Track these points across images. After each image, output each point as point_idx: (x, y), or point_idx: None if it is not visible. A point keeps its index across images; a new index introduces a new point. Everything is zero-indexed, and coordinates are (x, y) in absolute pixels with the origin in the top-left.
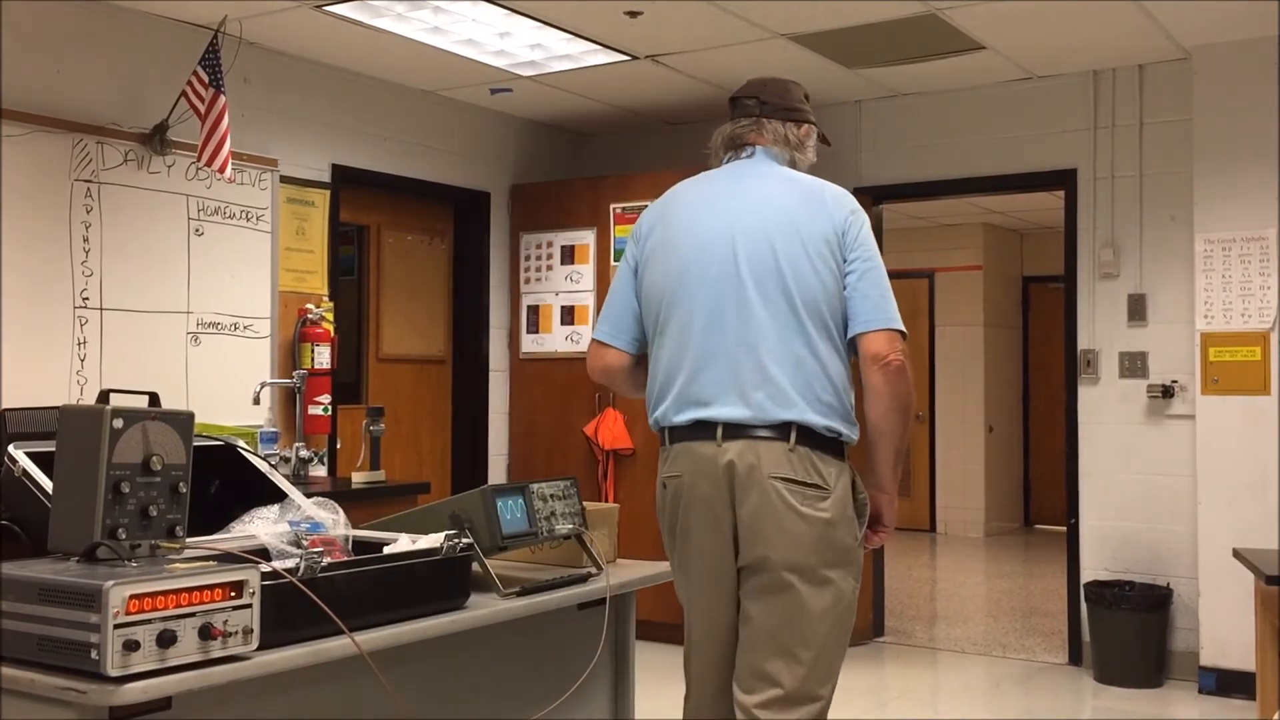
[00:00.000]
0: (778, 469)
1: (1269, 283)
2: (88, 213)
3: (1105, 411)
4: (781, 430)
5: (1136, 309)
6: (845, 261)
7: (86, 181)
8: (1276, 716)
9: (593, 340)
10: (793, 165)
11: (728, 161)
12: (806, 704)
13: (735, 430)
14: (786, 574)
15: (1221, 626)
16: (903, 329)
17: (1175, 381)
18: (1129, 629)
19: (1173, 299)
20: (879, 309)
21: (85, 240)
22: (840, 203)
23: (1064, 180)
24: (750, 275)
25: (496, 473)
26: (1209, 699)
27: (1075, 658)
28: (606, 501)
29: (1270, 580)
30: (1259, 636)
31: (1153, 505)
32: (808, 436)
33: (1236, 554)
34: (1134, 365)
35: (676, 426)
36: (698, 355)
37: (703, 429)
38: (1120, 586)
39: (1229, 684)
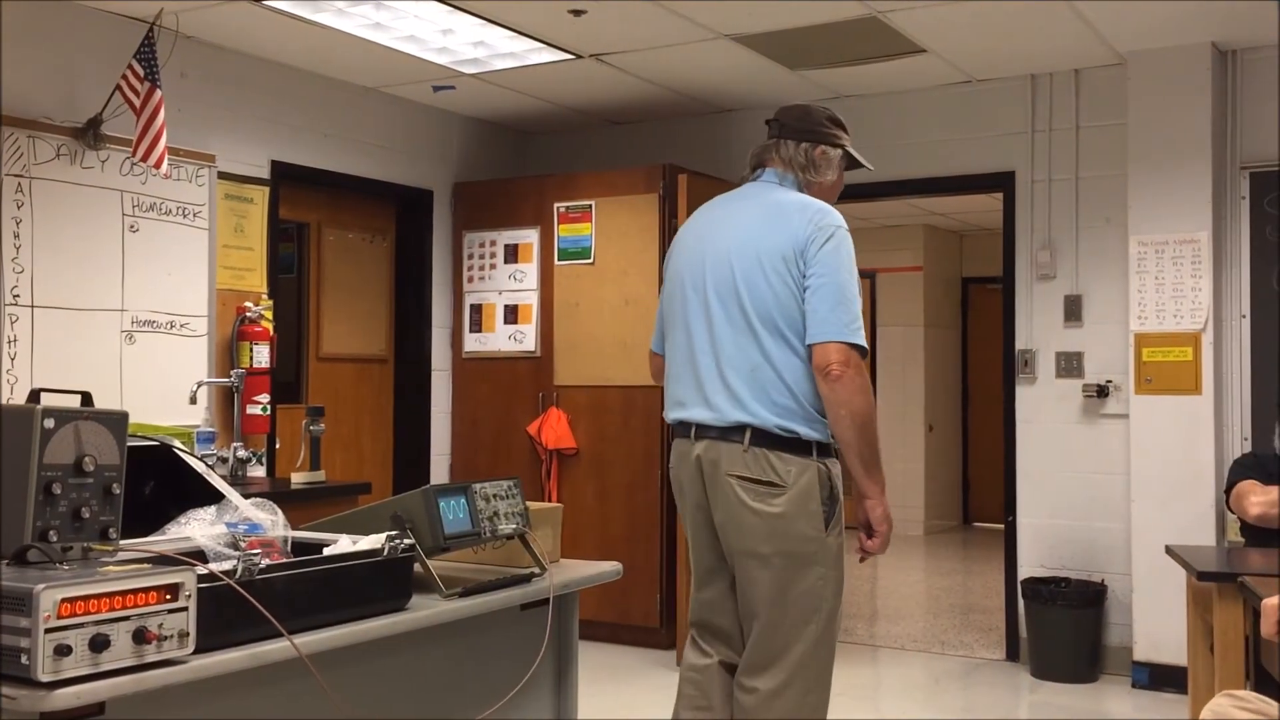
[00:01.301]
0: (734, 467)
1: (1200, 284)
2: (19, 208)
3: (1042, 411)
4: (738, 431)
5: (1072, 310)
6: (805, 276)
7: (17, 176)
8: (1206, 711)
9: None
10: (802, 184)
11: (743, 182)
12: (758, 674)
13: (703, 430)
14: (744, 559)
15: (1154, 622)
16: (853, 340)
17: (1110, 381)
18: (1064, 625)
19: (1108, 300)
20: (826, 322)
21: (16, 236)
22: (810, 221)
23: (1002, 183)
24: (714, 292)
25: (439, 473)
26: (1142, 693)
27: (1013, 653)
28: (550, 501)
29: (1202, 577)
30: (1190, 632)
31: (1088, 503)
32: (764, 436)
33: (1169, 551)
34: (1070, 365)
35: (670, 423)
36: (679, 364)
37: (683, 427)
38: (1056, 583)
39: (1162, 678)
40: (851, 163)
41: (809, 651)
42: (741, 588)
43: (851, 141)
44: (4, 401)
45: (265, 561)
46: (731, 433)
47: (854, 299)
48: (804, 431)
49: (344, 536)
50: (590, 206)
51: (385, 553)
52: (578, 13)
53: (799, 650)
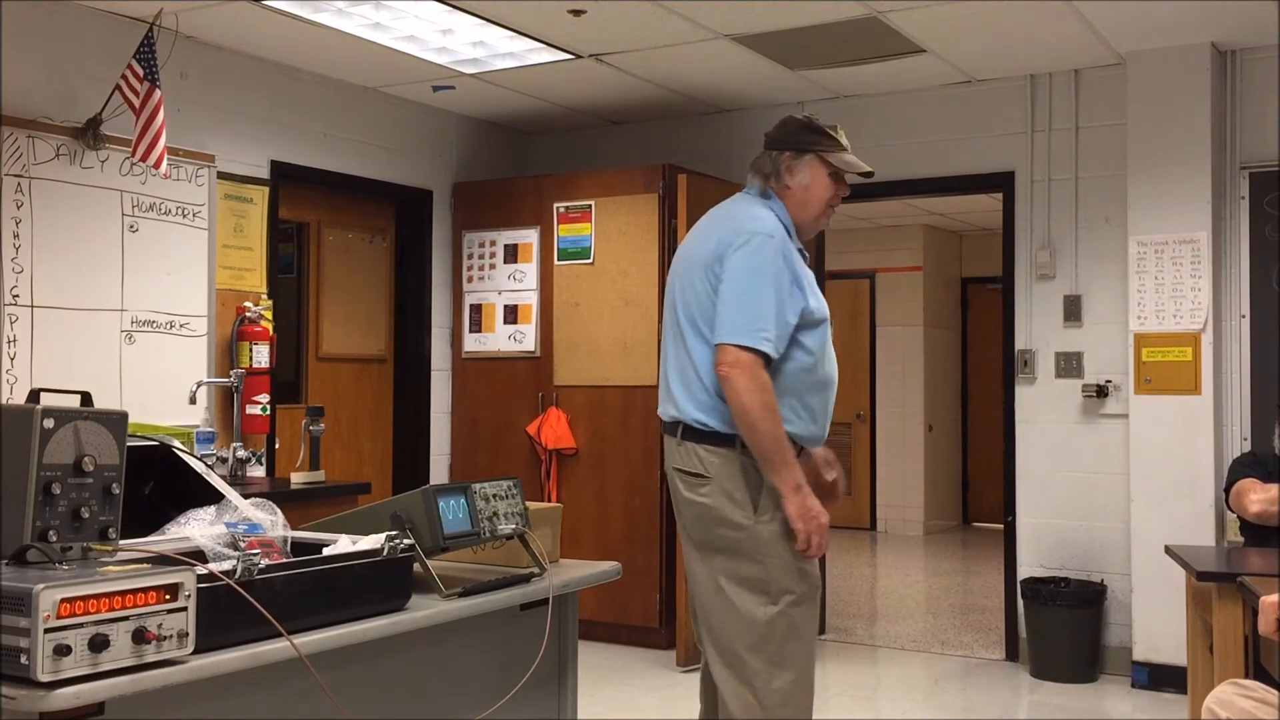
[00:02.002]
0: (673, 460)
1: (1200, 284)
2: (18, 208)
3: (1042, 411)
4: (674, 426)
5: (1072, 310)
6: (719, 279)
7: (17, 176)
8: (1211, 699)
9: None
10: (775, 191)
11: None
12: (721, 667)
13: (663, 427)
14: (685, 547)
15: (1154, 622)
16: (742, 342)
17: (1109, 381)
18: (1064, 625)
19: (1107, 300)
20: (723, 324)
21: (16, 236)
22: (735, 228)
23: (1002, 183)
24: (668, 299)
25: (438, 473)
26: (1142, 693)
27: (1012, 653)
28: (549, 501)
29: (1201, 577)
30: (1190, 632)
31: (1087, 503)
32: (691, 430)
33: (1168, 551)
34: (1069, 365)
35: None
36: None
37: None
38: (1055, 583)
39: (1161, 678)
40: (840, 166)
41: (759, 641)
42: (688, 580)
43: (837, 147)
44: (4, 401)
45: (265, 561)
46: (670, 428)
47: (757, 301)
48: (718, 425)
49: (343, 536)
50: (590, 206)
51: (385, 553)
52: (578, 13)
53: (747, 641)
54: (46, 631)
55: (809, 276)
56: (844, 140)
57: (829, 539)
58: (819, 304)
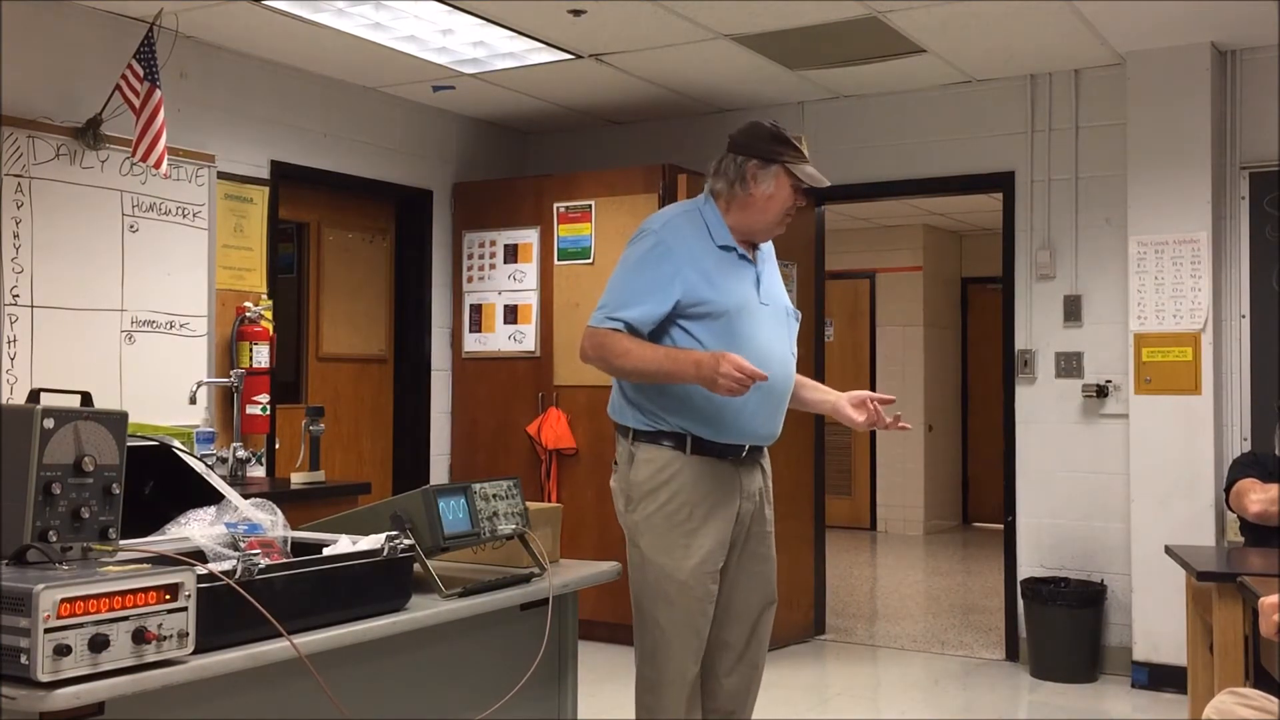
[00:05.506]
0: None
1: (1200, 284)
2: (18, 208)
3: (1042, 411)
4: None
5: (1072, 310)
6: None
7: (17, 176)
8: (1209, 709)
9: None
10: (730, 196)
11: None
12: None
13: None
14: None
15: (1154, 622)
16: (592, 323)
17: (1109, 381)
18: (1064, 625)
19: (1107, 300)
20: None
21: (16, 236)
22: (638, 228)
23: (1002, 183)
24: None
25: (438, 473)
26: (1142, 693)
27: (1012, 653)
28: (549, 501)
29: (1201, 577)
30: (1190, 632)
31: (1087, 503)
32: (617, 424)
33: (1168, 550)
34: (1070, 365)
35: None
36: None
37: None
38: (1056, 583)
39: (1161, 678)
40: (802, 179)
41: (646, 638)
42: None
43: (802, 159)
44: (4, 401)
45: (265, 561)
46: None
47: (615, 287)
48: (621, 419)
49: (344, 537)
50: (590, 206)
51: (385, 553)
52: (578, 13)
53: (646, 639)
54: (46, 631)
55: (726, 271)
56: (806, 150)
57: (743, 364)
58: (719, 295)
